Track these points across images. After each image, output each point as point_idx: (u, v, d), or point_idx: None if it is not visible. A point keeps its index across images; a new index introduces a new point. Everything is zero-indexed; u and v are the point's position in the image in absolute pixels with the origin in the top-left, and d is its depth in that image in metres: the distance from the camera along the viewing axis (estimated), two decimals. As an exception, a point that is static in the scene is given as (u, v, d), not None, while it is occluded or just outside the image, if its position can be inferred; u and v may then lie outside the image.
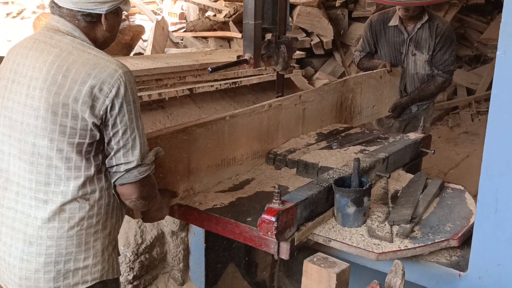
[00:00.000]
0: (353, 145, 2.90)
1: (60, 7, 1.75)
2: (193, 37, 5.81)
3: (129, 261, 2.89)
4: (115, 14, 1.81)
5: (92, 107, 1.67)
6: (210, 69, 2.63)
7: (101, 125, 1.70)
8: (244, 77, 3.83)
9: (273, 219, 1.96)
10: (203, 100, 3.61)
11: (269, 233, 1.98)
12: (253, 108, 2.63)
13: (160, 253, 3.05)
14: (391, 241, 2.08)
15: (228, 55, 4.02)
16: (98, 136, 1.71)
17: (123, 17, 5.27)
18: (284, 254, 2.07)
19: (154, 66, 3.33)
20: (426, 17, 3.71)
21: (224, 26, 5.89)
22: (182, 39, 5.86)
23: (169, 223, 3.00)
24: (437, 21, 3.76)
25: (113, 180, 1.76)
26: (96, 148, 1.73)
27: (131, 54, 5.14)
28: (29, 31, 5.25)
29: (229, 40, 5.77)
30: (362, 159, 2.49)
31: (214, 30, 5.86)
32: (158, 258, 3.06)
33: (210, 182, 2.44)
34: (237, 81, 3.74)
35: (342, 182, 2.25)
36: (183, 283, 3.13)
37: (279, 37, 2.82)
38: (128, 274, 2.91)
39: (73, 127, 1.68)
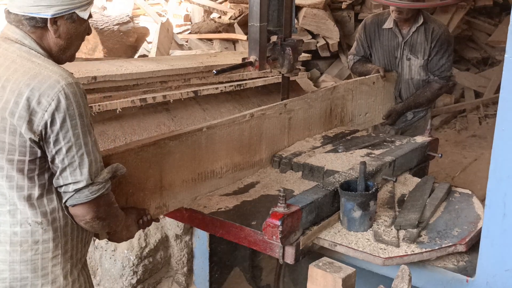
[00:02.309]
0: (359, 149, 2.88)
1: (10, 13, 1.65)
2: (198, 39, 5.80)
3: (133, 264, 2.88)
4: (70, 20, 1.66)
5: (30, 122, 1.54)
6: (215, 71, 2.61)
7: (41, 141, 1.57)
8: (249, 79, 3.81)
9: (278, 223, 1.94)
10: (208, 103, 3.59)
11: (274, 237, 1.97)
12: (233, 118, 2.49)
13: (164, 257, 3.03)
14: (398, 245, 2.05)
15: (233, 57, 4.01)
16: (39, 153, 1.58)
17: (128, 20, 5.24)
18: (289, 259, 2.05)
19: (159, 68, 3.31)
20: (421, 20, 3.56)
21: (229, 28, 5.88)
22: (187, 41, 5.84)
23: (173, 227, 2.99)
24: (433, 24, 3.61)
25: (63, 201, 1.64)
26: (40, 167, 1.61)
27: (136, 56, 5.14)
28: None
29: (234, 42, 5.75)
30: (368, 162, 2.46)
31: (219, 32, 5.84)
32: (162, 262, 3.04)
33: (186, 197, 2.30)
34: (242, 84, 3.72)
35: (348, 186, 2.23)
36: (187, 287, 3.11)
37: (284, 39, 2.80)
38: (132, 278, 2.89)
39: (12, 143, 1.56)
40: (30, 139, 1.55)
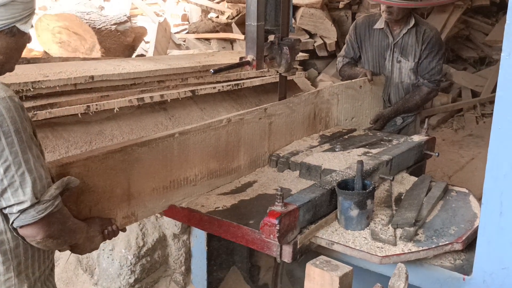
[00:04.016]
0: (356, 148, 2.88)
1: None
2: (196, 38, 5.80)
3: (131, 263, 2.88)
4: (10, 34, 1.55)
5: None
6: (212, 71, 2.61)
7: None
8: (246, 78, 3.81)
9: (276, 221, 1.94)
10: (206, 102, 3.59)
11: (271, 236, 1.97)
12: (208, 123, 2.39)
13: (161, 256, 3.03)
14: (395, 244, 2.06)
15: (230, 57, 4.01)
16: None
17: (126, 20, 5.23)
18: (287, 257, 2.05)
19: (156, 68, 3.31)
20: (412, 22, 3.51)
21: (226, 27, 5.88)
22: (184, 41, 5.84)
23: (170, 226, 2.99)
24: (425, 26, 3.56)
25: (10, 223, 1.53)
26: None
27: (133, 56, 5.13)
28: (31, 31, 5.24)
29: (231, 42, 5.75)
30: (365, 161, 2.46)
31: (217, 31, 5.84)
32: (160, 261, 3.04)
33: (157, 206, 2.22)
34: (240, 83, 3.72)
35: (345, 185, 2.24)
36: (184, 286, 3.12)
37: (281, 38, 2.80)
38: (129, 277, 2.89)
39: None
40: None
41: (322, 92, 3.13)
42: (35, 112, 2.66)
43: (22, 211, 1.50)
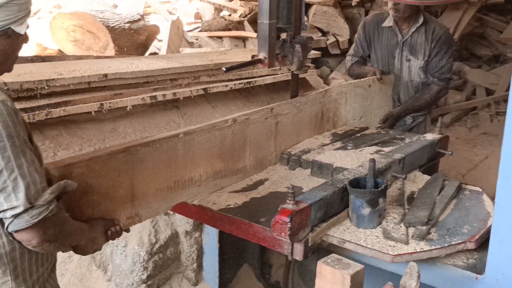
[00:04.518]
0: (368, 146, 2.87)
1: None
2: (208, 36, 5.81)
3: (143, 260, 2.90)
4: (5, 36, 1.54)
5: None
6: (224, 69, 2.62)
7: None
8: (258, 77, 3.81)
9: (287, 219, 1.95)
10: (218, 100, 3.60)
11: (282, 233, 1.97)
12: (213, 123, 2.37)
13: (174, 253, 3.05)
14: (407, 243, 2.05)
15: (242, 55, 4.01)
16: None
17: (139, 19, 5.25)
18: (298, 255, 2.05)
19: (169, 66, 3.32)
20: (421, 20, 3.48)
21: (239, 25, 5.89)
22: (197, 39, 5.86)
23: (182, 223, 3.01)
24: (434, 24, 3.53)
25: (5, 228, 1.53)
26: None
27: (146, 54, 5.16)
28: (46, 31, 5.29)
29: (244, 40, 5.76)
30: (377, 159, 2.45)
31: (229, 29, 5.86)
32: (172, 258, 3.06)
33: (161, 206, 2.21)
34: (252, 81, 3.72)
35: (357, 183, 2.23)
36: (196, 283, 3.13)
37: (294, 36, 2.80)
38: (142, 274, 2.91)
39: None
40: None
41: (330, 92, 3.11)
42: (49, 110, 2.68)
43: (15, 216, 1.49)
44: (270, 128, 2.68)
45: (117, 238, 1.97)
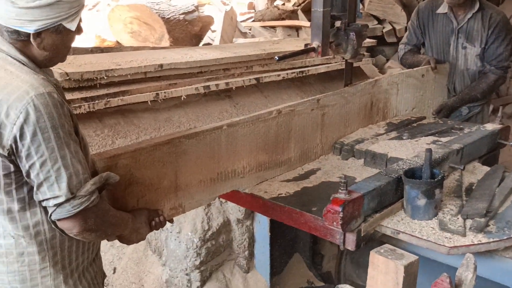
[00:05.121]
0: (425, 136, 2.80)
1: None
2: (261, 26, 5.81)
3: (196, 246, 2.96)
4: (56, 32, 1.56)
5: None
6: (277, 58, 2.61)
7: (12, 156, 1.50)
8: (311, 66, 3.78)
9: (339, 209, 1.93)
10: (270, 90, 3.60)
11: (334, 223, 1.96)
12: (257, 115, 2.35)
13: (225, 240, 3.10)
14: (464, 235, 1.99)
15: (295, 44, 3.99)
16: (12, 167, 1.52)
17: (194, 10, 5.33)
18: (350, 245, 2.04)
19: (222, 56, 3.36)
20: (477, 6, 3.35)
21: (292, 15, 5.85)
22: (250, 29, 5.88)
23: (234, 211, 3.04)
24: (491, 10, 3.38)
25: (48, 216, 1.57)
26: (16, 181, 1.55)
27: (200, 45, 5.23)
28: (104, 23, 5.46)
29: (297, 29, 5.72)
30: (434, 150, 2.39)
31: (283, 19, 5.83)
32: (224, 245, 3.11)
33: (204, 198, 2.21)
34: (304, 70, 3.70)
35: (412, 174, 2.18)
36: (248, 271, 3.17)
37: (348, 24, 2.75)
38: (195, 259, 2.98)
39: None
40: (0, 154, 1.50)
41: (380, 82, 3.03)
42: (108, 100, 2.78)
43: (58, 205, 1.53)
44: (316, 119, 2.63)
45: (160, 228, 1.99)
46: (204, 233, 2.98)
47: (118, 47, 4.64)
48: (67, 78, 2.65)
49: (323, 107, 2.66)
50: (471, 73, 3.49)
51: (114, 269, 3.33)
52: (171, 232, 3.02)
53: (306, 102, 2.58)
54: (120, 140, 2.81)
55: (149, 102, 2.96)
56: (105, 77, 2.82)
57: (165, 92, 3.01)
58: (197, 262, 2.98)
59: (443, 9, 3.46)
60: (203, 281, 3.05)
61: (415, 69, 3.33)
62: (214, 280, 3.10)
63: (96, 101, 2.73)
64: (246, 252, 3.13)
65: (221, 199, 2.87)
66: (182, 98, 3.10)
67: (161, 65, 3.05)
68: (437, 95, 3.48)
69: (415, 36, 3.64)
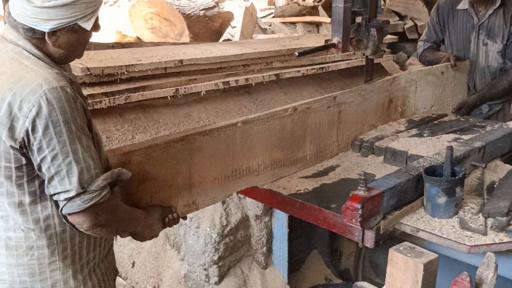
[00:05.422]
0: (446, 133, 2.77)
1: (10, 14, 1.57)
2: (281, 22, 5.80)
3: (215, 242, 2.97)
4: (71, 31, 1.57)
5: (11, 129, 1.48)
6: (297, 53, 2.61)
7: (24, 149, 1.50)
8: (331, 62, 3.75)
9: (358, 206, 1.92)
10: (289, 86, 3.59)
11: (353, 220, 1.95)
12: (273, 112, 2.34)
13: (244, 236, 3.10)
14: (485, 234, 1.96)
15: (316, 40, 3.97)
16: (24, 160, 1.53)
17: (214, 6, 5.34)
18: (369, 242, 2.02)
19: (242, 52, 3.35)
20: (499, 2, 3.28)
21: (313, 11, 5.83)
22: (270, 25, 5.87)
23: (253, 207, 3.04)
24: None
25: (59, 210, 1.57)
26: (27, 174, 1.56)
27: (220, 40, 5.24)
28: (125, 18, 5.51)
29: (317, 25, 5.70)
30: (455, 147, 2.36)
31: (303, 15, 5.81)
32: (242, 241, 3.11)
33: (218, 195, 2.20)
34: (325, 66, 3.67)
35: (432, 171, 2.16)
36: (266, 267, 3.17)
37: (369, 20, 2.73)
38: (214, 255, 2.99)
39: None
40: (11, 146, 1.50)
41: (398, 79, 2.98)
42: (128, 95, 2.80)
43: (68, 199, 1.53)
44: (332, 117, 2.60)
45: (174, 225, 1.99)
46: (223, 228, 2.99)
47: (138, 43, 4.68)
48: (88, 73, 2.68)
49: (339, 104, 2.63)
50: (492, 70, 3.43)
51: (133, 263, 3.36)
52: (189, 227, 3.04)
53: (323, 99, 2.55)
54: (140, 135, 2.83)
55: (169, 97, 2.98)
56: (126, 72, 2.84)
57: (185, 88, 3.02)
58: (215, 258, 3.00)
59: (463, 5, 3.40)
60: (221, 277, 3.06)
61: (434, 66, 3.28)
62: (232, 275, 3.11)
63: (117, 96, 2.75)
64: (264, 248, 3.13)
65: (239, 195, 2.87)
66: (202, 93, 3.11)
67: (181, 61, 3.07)
68: (457, 93, 3.42)
69: (434, 33, 3.58)
